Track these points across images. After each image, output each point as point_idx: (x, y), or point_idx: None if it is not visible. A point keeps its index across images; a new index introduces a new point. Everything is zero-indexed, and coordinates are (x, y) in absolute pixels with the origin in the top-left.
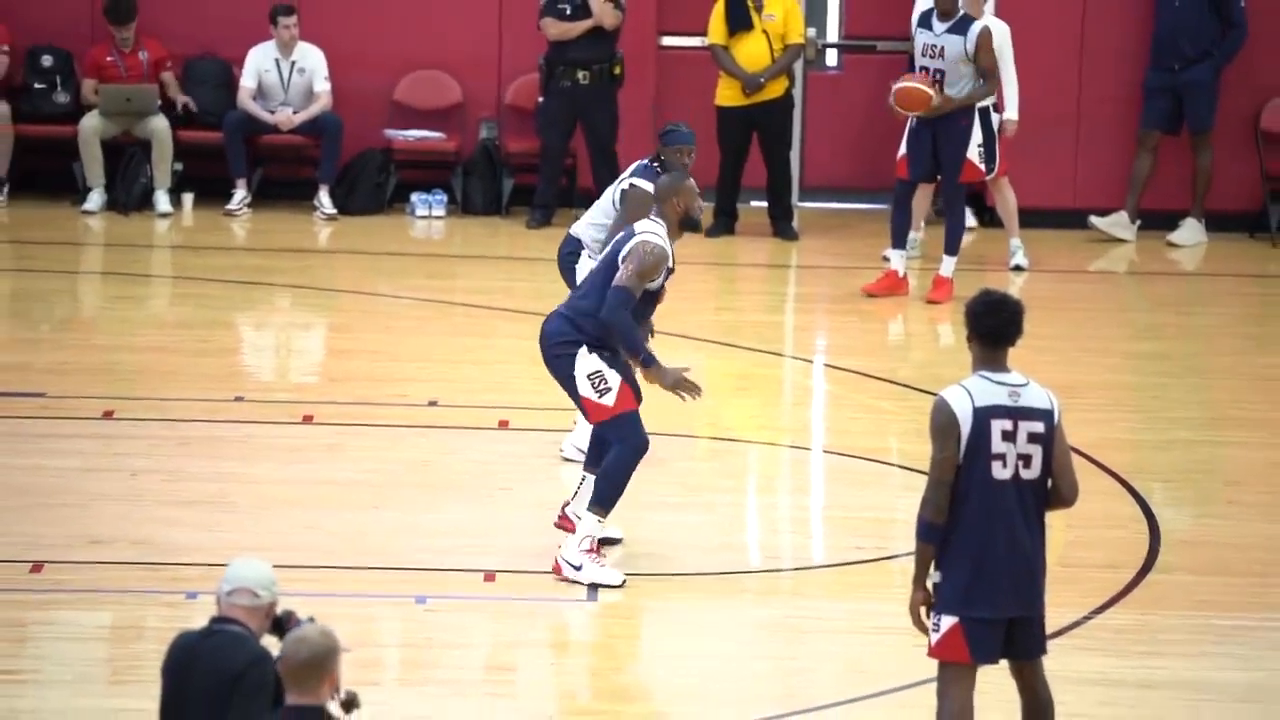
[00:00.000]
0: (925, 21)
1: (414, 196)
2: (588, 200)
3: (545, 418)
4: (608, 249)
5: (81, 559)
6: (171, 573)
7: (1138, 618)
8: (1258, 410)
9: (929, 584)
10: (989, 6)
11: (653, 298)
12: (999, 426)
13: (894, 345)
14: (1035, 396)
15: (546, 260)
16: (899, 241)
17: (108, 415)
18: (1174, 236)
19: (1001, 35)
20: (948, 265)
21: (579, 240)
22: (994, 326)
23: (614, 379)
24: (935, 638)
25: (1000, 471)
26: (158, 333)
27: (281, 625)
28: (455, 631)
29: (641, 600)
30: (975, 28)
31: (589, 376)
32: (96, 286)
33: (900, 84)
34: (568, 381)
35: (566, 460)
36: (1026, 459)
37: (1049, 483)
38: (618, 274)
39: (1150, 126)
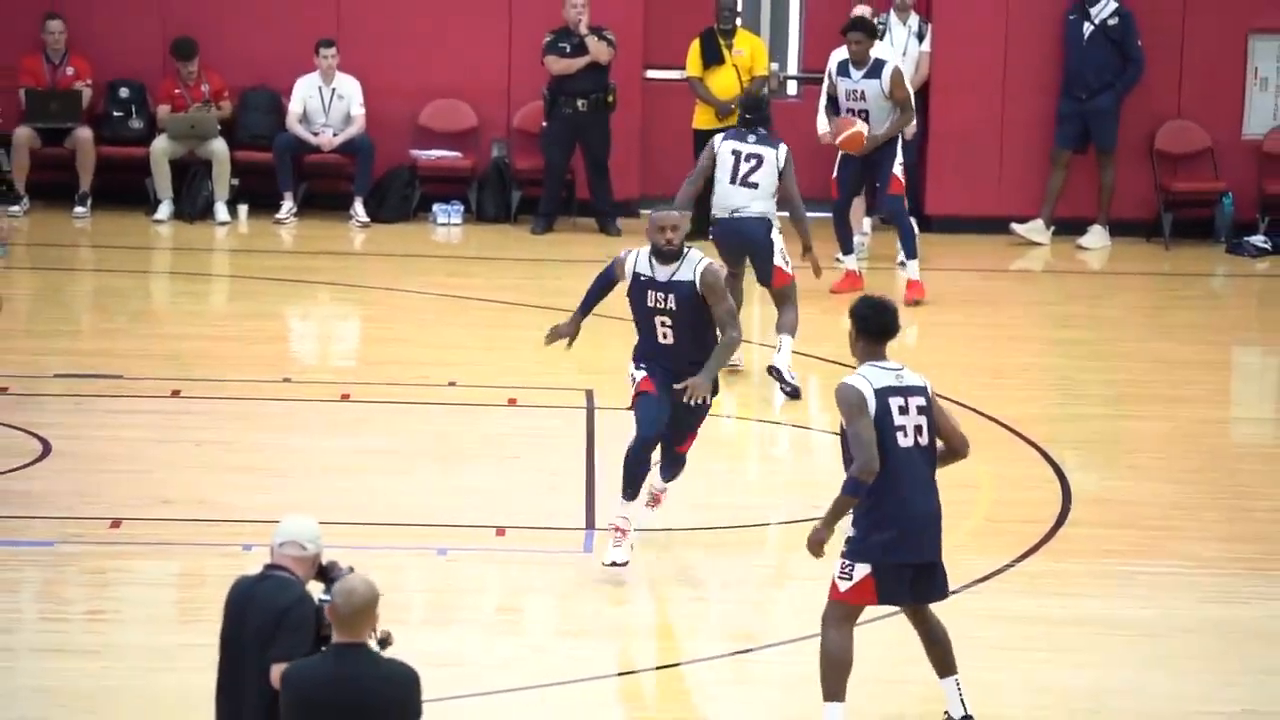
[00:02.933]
0: (844, 70)
1: (435, 206)
2: (585, 210)
3: (548, 396)
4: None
5: (153, 516)
6: (229, 528)
7: (1052, 565)
8: (1154, 388)
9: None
10: (912, 41)
11: (640, 311)
12: (895, 403)
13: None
14: (912, 377)
15: (550, 261)
16: (846, 248)
17: (175, 394)
18: (1083, 240)
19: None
20: (913, 269)
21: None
22: (881, 325)
23: (638, 374)
24: (846, 585)
25: (904, 440)
26: (217, 323)
27: (326, 573)
28: (471, 578)
29: (631, 552)
30: (887, 70)
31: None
32: (165, 284)
33: (842, 135)
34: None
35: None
36: (919, 428)
37: (938, 445)
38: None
39: (1062, 146)
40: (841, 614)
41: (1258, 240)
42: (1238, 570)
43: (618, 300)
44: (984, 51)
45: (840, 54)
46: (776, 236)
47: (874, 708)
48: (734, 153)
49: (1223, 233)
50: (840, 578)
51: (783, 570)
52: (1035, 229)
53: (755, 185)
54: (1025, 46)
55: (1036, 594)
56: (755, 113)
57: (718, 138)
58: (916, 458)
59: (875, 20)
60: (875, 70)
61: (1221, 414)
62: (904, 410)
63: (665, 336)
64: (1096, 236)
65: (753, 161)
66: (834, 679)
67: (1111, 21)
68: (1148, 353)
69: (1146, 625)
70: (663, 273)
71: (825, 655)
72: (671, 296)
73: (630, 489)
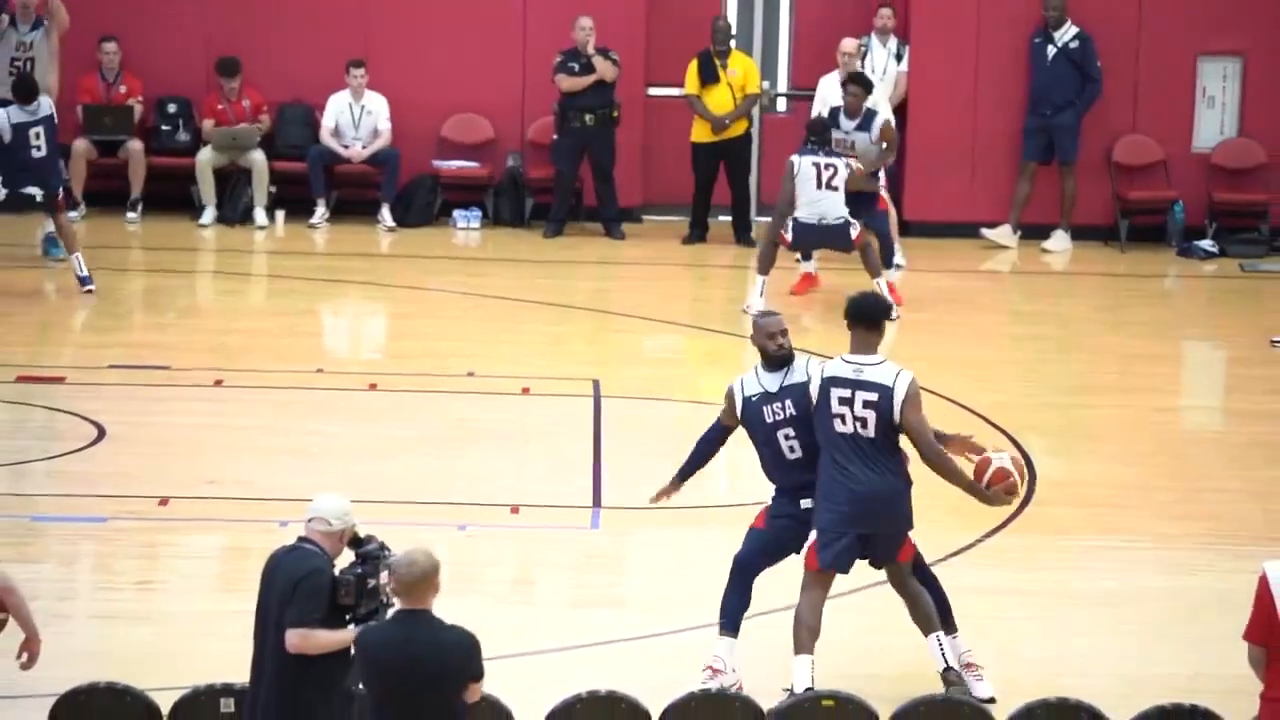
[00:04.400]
0: (834, 119)
1: (456, 212)
2: (592, 215)
3: (558, 386)
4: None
5: (198, 495)
6: (268, 506)
7: (1019, 540)
8: (1111, 379)
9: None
10: (891, 62)
11: (763, 432)
12: (837, 393)
13: (829, 326)
14: (877, 374)
15: (560, 262)
16: (806, 255)
17: (218, 383)
18: (1047, 244)
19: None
20: (891, 274)
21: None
22: (857, 316)
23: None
24: (805, 552)
25: (841, 426)
26: (256, 319)
27: (359, 544)
28: (488, 552)
29: (633, 529)
30: (878, 121)
31: None
32: (209, 283)
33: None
34: None
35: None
36: (862, 420)
37: (897, 437)
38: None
39: (1028, 158)
40: (805, 581)
41: (1206, 244)
42: (1189, 545)
43: (618, 298)
44: (957, 71)
45: (831, 81)
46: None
47: (858, 669)
48: (814, 164)
49: (1174, 238)
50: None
51: None
52: (1003, 233)
53: (836, 189)
54: (994, 67)
55: (1005, 567)
56: (820, 134)
57: (795, 159)
58: (861, 443)
59: (859, 43)
60: (867, 122)
61: (1173, 403)
62: (846, 401)
63: (793, 450)
64: (1059, 240)
65: (830, 170)
66: (799, 634)
67: (1073, 45)
68: (1105, 347)
69: (1105, 596)
70: (773, 381)
71: (794, 615)
72: (789, 403)
73: (726, 621)
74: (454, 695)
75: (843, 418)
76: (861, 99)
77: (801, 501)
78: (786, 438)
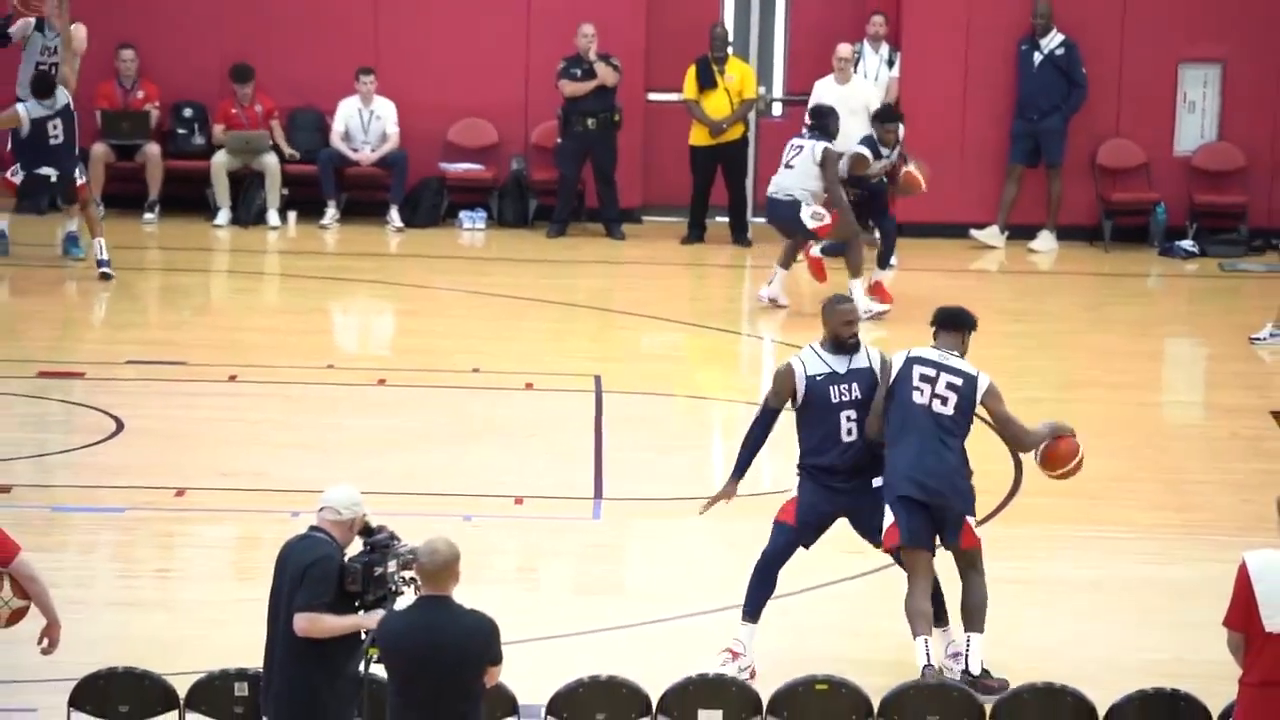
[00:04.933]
0: (874, 151)
1: (462, 214)
2: (594, 216)
3: (561, 381)
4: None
5: (213, 486)
6: (281, 497)
7: (1006, 530)
8: (1095, 375)
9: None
10: (883, 68)
11: (825, 414)
12: (920, 370)
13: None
14: (965, 365)
15: (563, 262)
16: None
17: (232, 379)
18: (1033, 244)
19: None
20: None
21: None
22: (939, 318)
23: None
24: (885, 533)
25: (918, 397)
26: (269, 316)
27: (370, 534)
28: (493, 542)
29: (633, 519)
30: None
31: None
32: (223, 282)
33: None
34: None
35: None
36: (943, 399)
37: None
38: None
39: (1016, 161)
40: (905, 563)
41: (1187, 245)
42: (1169, 535)
43: (619, 297)
44: (947, 77)
45: (826, 85)
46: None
47: (850, 654)
48: (789, 143)
49: (1156, 238)
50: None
51: (763, 536)
52: (991, 234)
53: (792, 168)
54: (983, 73)
55: (992, 556)
56: (817, 120)
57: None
58: (936, 418)
59: (852, 49)
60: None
61: (1154, 398)
62: (928, 379)
63: (850, 433)
64: (1045, 241)
65: (795, 150)
66: (912, 621)
67: (1059, 52)
68: (1090, 344)
69: (1089, 584)
70: (840, 364)
71: (905, 606)
72: (856, 386)
73: (749, 609)
74: (474, 679)
75: (921, 390)
76: (896, 132)
77: (873, 481)
78: (849, 419)
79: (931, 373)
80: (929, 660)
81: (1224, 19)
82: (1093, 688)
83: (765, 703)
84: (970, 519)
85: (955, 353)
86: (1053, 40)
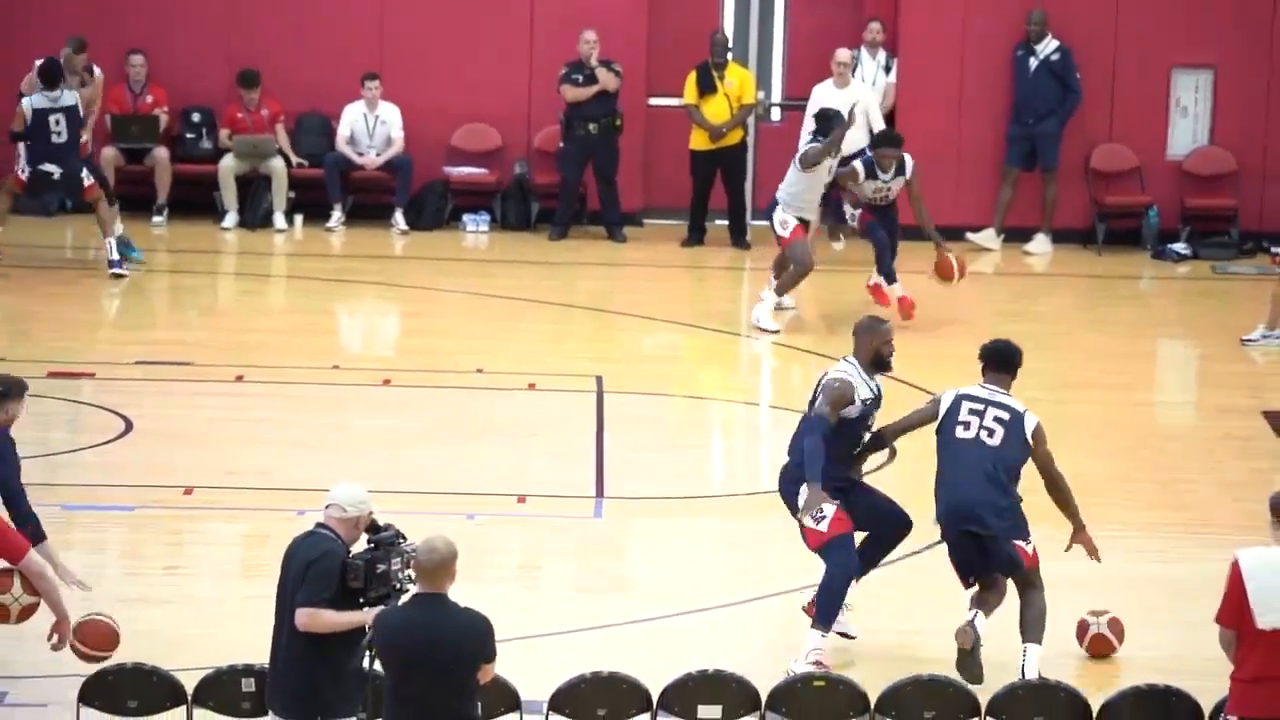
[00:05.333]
0: (872, 173)
1: (465, 216)
2: (595, 219)
3: (563, 382)
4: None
5: (220, 484)
6: (287, 495)
7: None
8: (1090, 376)
9: None
10: (880, 73)
11: (856, 426)
12: (969, 405)
13: (822, 326)
14: (1013, 401)
15: (565, 264)
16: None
17: (239, 379)
18: (1029, 246)
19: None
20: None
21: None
22: (994, 357)
23: (829, 508)
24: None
25: (963, 432)
26: (275, 317)
27: (376, 531)
28: (497, 539)
29: (634, 517)
30: (909, 165)
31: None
32: (230, 283)
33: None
34: (793, 511)
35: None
36: (990, 430)
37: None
38: (815, 406)
39: (1011, 165)
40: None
41: (1179, 247)
42: (1164, 534)
43: (620, 298)
44: (943, 82)
45: (825, 90)
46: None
47: (848, 652)
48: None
49: (1149, 241)
50: None
51: (762, 534)
52: (987, 236)
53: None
54: (979, 78)
55: None
56: (821, 125)
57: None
58: (983, 450)
59: (851, 54)
60: (900, 168)
61: (1148, 398)
62: (976, 413)
63: (858, 444)
64: (1040, 243)
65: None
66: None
67: (1054, 58)
68: (1084, 345)
69: (1084, 582)
70: (875, 385)
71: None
72: (877, 406)
73: (833, 621)
74: (469, 675)
75: (968, 425)
76: (894, 157)
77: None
78: (868, 431)
79: (980, 408)
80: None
81: (1215, 26)
82: (1086, 685)
83: (764, 698)
84: (1022, 542)
85: (1003, 391)
86: (1047, 46)
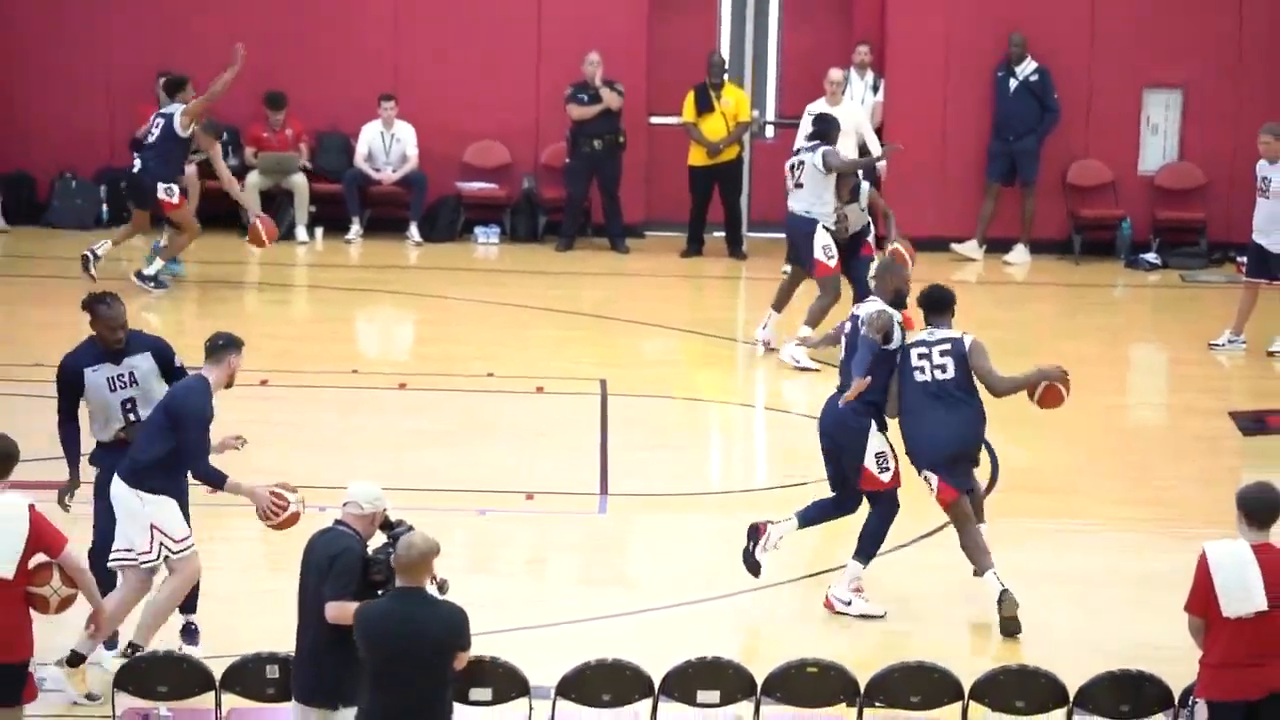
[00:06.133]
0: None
1: (476, 229)
2: (600, 232)
3: (569, 385)
4: (853, 334)
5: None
6: (307, 493)
7: (985, 524)
8: None
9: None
10: (868, 93)
11: (890, 361)
12: (916, 351)
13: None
14: (950, 333)
15: (571, 274)
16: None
17: (263, 383)
18: (1009, 257)
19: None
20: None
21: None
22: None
23: (893, 461)
24: (937, 492)
25: (920, 376)
26: (298, 324)
27: (391, 527)
28: (505, 535)
29: (635, 513)
30: (864, 191)
31: (876, 455)
32: (255, 292)
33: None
34: (856, 453)
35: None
36: (941, 366)
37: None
38: (861, 334)
39: (993, 179)
40: (951, 513)
41: (1150, 257)
42: (1137, 528)
43: (623, 306)
44: (928, 101)
45: (818, 109)
46: (819, 233)
47: (834, 641)
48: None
49: (1122, 251)
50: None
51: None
52: (970, 248)
53: (800, 186)
54: (962, 98)
55: None
56: (817, 130)
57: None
58: (943, 386)
59: (843, 73)
60: (855, 194)
61: (1121, 400)
62: (924, 356)
63: (886, 387)
64: (1020, 254)
65: (798, 170)
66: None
67: (1033, 78)
68: (1061, 350)
69: (1061, 573)
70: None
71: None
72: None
73: (873, 557)
74: (446, 664)
75: (922, 369)
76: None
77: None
78: (893, 373)
79: (925, 350)
80: (1004, 585)
81: (1184, 47)
82: (1064, 670)
83: (760, 684)
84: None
85: (944, 328)
86: (1027, 67)
